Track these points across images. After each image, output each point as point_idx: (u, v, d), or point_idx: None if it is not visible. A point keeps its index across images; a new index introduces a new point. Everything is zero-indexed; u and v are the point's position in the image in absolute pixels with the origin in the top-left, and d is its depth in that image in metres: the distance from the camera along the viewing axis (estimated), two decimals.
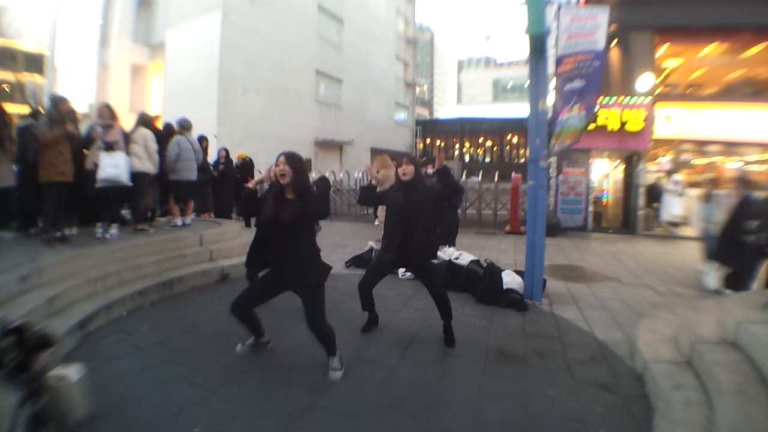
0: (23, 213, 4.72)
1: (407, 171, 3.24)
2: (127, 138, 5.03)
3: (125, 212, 5.57)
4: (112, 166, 4.55)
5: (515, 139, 34.71)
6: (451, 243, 6.27)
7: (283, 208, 2.63)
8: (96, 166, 4.56)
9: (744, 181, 5.01)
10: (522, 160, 30.67)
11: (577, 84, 4.64)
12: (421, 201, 3.20)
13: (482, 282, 4.48)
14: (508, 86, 68.17)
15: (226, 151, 8.62)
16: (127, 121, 5.51)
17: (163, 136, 5.74)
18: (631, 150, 10.15)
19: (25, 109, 16.55)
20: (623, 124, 9.69)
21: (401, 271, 5.31)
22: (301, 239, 2.69)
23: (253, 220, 7.61)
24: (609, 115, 9.74)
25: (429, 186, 3.37)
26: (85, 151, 4.74)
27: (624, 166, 11.02)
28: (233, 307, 2.82)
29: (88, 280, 3.76)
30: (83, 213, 4.97)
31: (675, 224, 9.92)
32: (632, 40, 9.94)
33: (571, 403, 2.46)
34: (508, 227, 9.97)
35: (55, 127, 4.15)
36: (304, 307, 2.72)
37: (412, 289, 4.70)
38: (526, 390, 2.61)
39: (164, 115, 13.42)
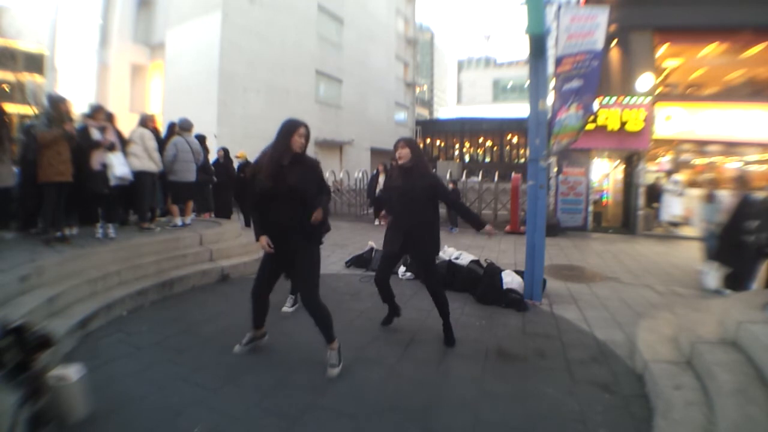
0: (24, 213, 4.73)
1: (402, 154, 3.11)
2: (123, 139, 5.07)
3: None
4: (123, 165, 4.78)
5: (515, 139, 34.74)
6: None
7: (288, 174, 2.62)
8: (104, 166, 4.60)
9: (744, 181, 5.01)
10: (522, 160, 30.71)
11: (575, 84, 4.64)
12: (423, 186, 3.10)
13: (482, 282, 4.48)
14: (508, 86, 68.12)
15: (225, 150, 8.61)
16: (127, 121, 5.53)
17: (166, 136, 5.75)
18: (631, 150, 10.16)
19: (25, 109, 16.56)
20: (623, 124, 9.70)
21: (401, 270, 5.32)
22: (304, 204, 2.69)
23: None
24: (609, 115, 9.74)
25: (430, 171, 3.23)
26: (94, 151, 4.73)
27: (624, 166, 11.03)
28: (254, 291, 2.85)
29: (88, 280, 3.76)
30: (83, 213, 4.97)
31: (675, 224, 9.94)
32: (632, 40, 9.94)
33: (571, 403, 2.46)
34: (508, 227, 9.98)
35: (53, 127, 4.15)
36: (300, 282, 2.71)
37: (411, 290, 4.70)
38: (525, 390, 2.61)
39: (164, 115, 13.43)
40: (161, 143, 5.53)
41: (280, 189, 2.61)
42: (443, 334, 3.31)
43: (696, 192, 7.84)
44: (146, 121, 5.44)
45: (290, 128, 2.67)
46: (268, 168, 2.63)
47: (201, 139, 6.94)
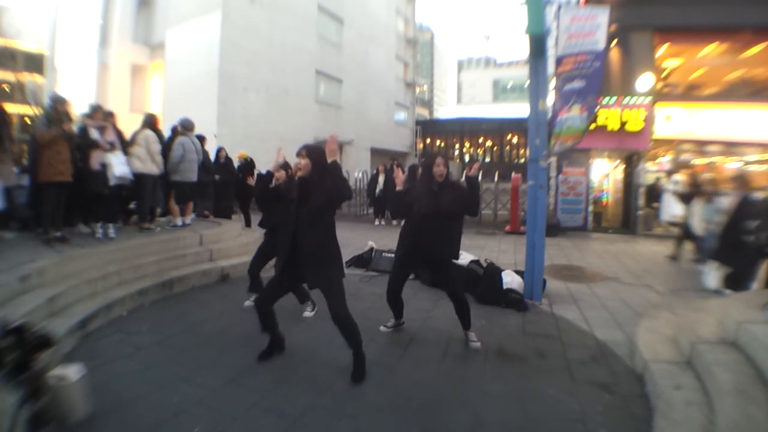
0: (26, 213, 4.73)
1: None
2: (123, 138, 5.07)
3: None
4: (122, 164, 4.76)
5: (515, 139, 34.70)
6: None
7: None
8: (103, 166, 4.60)
9: (743, 181, 5.00)
10: (522, 160, 30.66)
11: (577, 84, 4.64)
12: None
13: (482, 282, 4.48)
14: (508, 86, 67.99)
15: (225, 151, 8.58)
16: (127, 121, 5.52)
17: (170, 137, 5.74)
18: (631, 150, 10.16)
19: (25, 109, 16.54)
20: (623, 124, 9.70)
21: None
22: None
23: (253, 221, 7.61)
24: (609, 115, 9.74)
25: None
26: (93, 151, 4.73)
27: (624, 166, 11.02)
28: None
29: (88, 280, 3.76)
30: (84, 213, 4.97)
31: (675, 224, 9.92)
32: (632, 40, 9.94)
33: (571, 403, 2.46)
34: (508, 227, 9.98)
35: (52, 127, 4.15)
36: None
37: (412, 290, 4.69)
38: (526, 390, 2.61)
39: (164, 115, 13.40)
40: (164, 144, 5.52)
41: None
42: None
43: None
44: (153, 123, 5.43)
45: None
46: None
47: (201, 139, 6.95)
